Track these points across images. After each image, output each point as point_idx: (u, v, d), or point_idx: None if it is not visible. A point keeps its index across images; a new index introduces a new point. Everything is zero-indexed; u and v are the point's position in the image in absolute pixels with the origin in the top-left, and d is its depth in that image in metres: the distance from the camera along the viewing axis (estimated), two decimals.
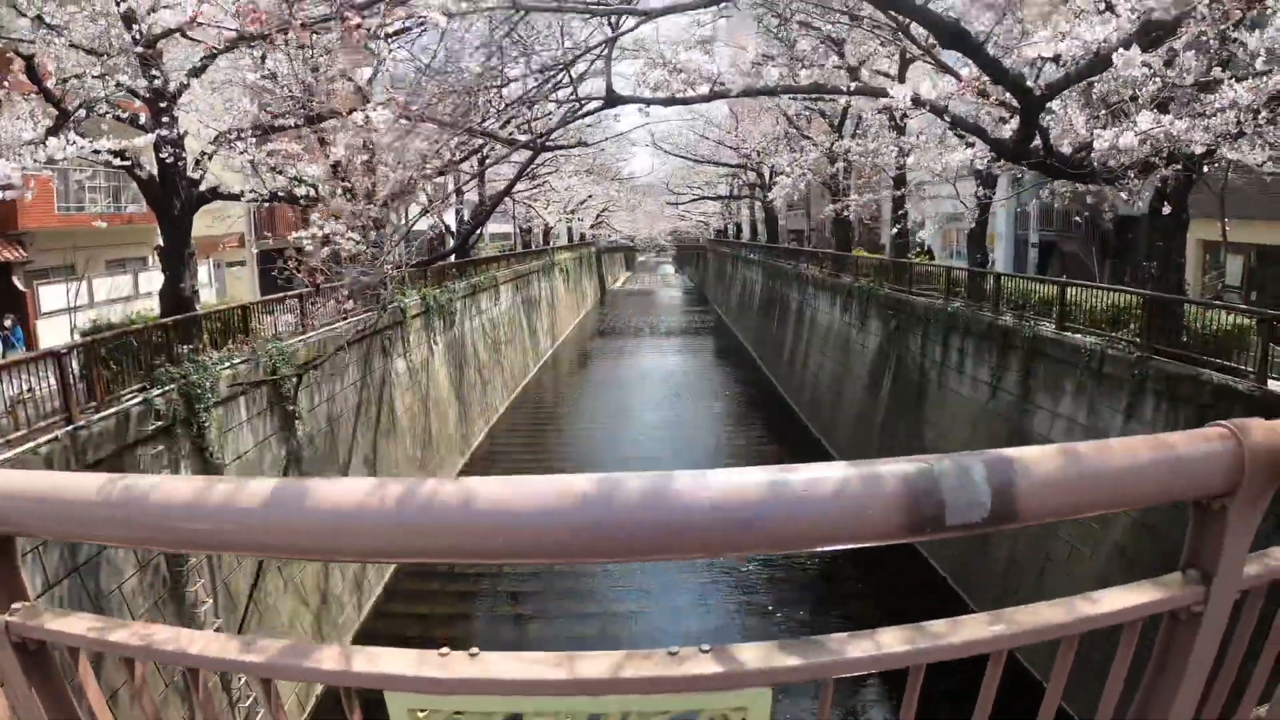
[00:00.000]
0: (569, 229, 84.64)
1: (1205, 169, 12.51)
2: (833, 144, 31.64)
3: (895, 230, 32.01)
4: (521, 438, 36.61)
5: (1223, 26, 9.62)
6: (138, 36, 12.57)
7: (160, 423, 13.40)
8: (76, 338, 16.86)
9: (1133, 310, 16.03)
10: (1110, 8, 9.29)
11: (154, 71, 13.35)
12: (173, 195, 15.80)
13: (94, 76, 13.53)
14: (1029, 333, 18.78)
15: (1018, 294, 20.67)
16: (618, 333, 69.93)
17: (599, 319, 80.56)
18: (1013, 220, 39.19)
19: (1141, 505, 1.63)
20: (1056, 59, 10.19)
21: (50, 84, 13.47)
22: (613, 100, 15.11)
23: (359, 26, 9.00)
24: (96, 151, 13.28)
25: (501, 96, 18.59)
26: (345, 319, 20.66)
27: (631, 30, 15.53)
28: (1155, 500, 1.61)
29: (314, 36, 11.86)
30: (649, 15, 12.48)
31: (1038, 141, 11.00)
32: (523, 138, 19.58)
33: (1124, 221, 27.38)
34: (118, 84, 13.67)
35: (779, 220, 57.76)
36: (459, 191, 41.62)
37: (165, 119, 14.10)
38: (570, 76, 17.09)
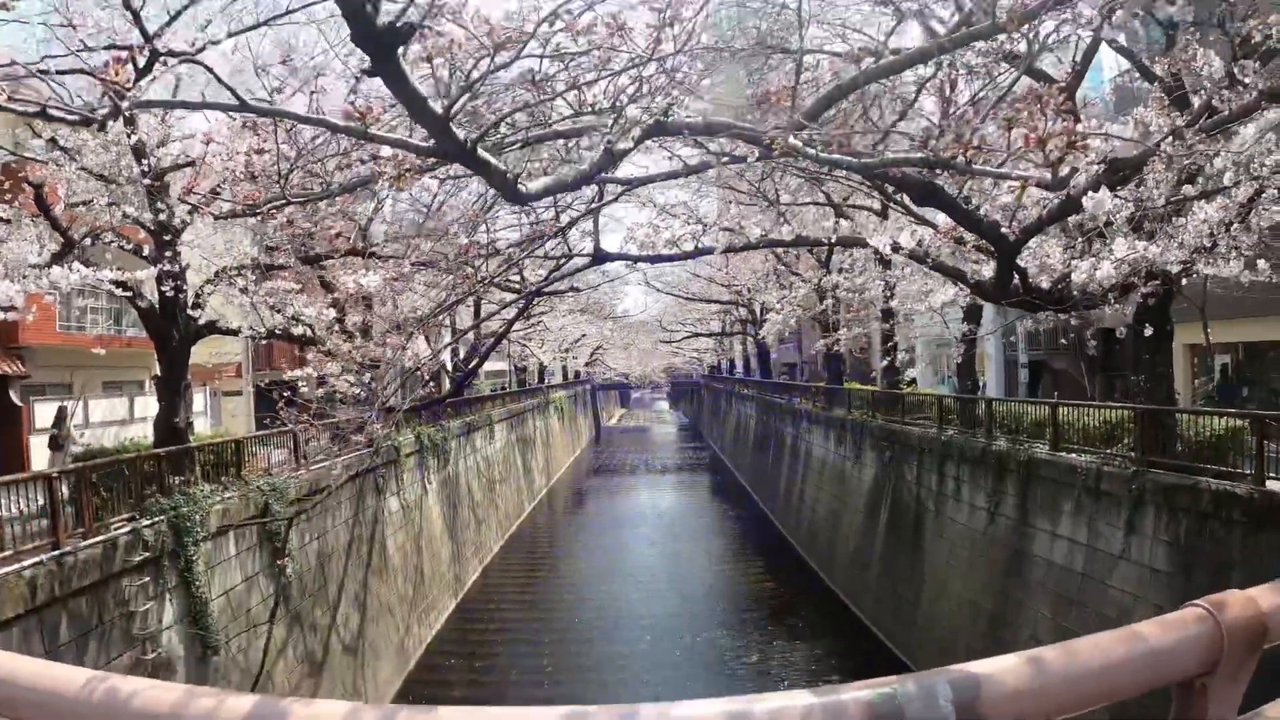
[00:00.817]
0: (564, 367, 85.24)
1: (1184, 282, 12.76)
2: (821, 280, 32.22)
3: (885, 362, 32.30)
4: (516, 578, 35.99)
5: (1187, 161, 9.90)
6: (146, 169, 12.91)
7: (148, 554, 13.22)
8: (69, 461, 16.73)
9: (1125, 425, 16.08)
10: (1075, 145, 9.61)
11: (160, 204, 13.67)
12: (172, 327, 16.01)
13: (102, 204, 13.79)
14: (1023, 456, 18.77)
15: (1010, 418, 20.73)
16: (613, 470, 69.63)
17: (594, 456, 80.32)
18: (1001, 342, 39.59)
19: (1119, 699, 1.58)
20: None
21: (59, 209, 13.75)
22: (600, 258, 15.85)
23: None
24: (99, 281, 13.46)
25: (495, 248, 19.18)
26: (339, 457, 20.61)
27: (614, 200, 16.22)
28: (1132, 693, 1.58)
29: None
30: (631, 184, 12.92)
31: (1016, 281, 11.21)
32: (515, 285, 20.14)
33: (1111, 334, 27.62)
34: (124, 214, 13.96)
35: (771, 355, 58.34)
36: (454, 330, 42.12)
37: (168, 252, 14.38)
38: (563, 236, 17.78)
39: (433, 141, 5.83)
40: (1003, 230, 10.52)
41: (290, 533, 18.01)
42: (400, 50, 5.06)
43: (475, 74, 5.77)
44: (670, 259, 15.54)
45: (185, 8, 12.57)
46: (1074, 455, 17.29)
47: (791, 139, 5.57)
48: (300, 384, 17.19)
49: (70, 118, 8.80)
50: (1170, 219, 11.60)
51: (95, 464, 13.69)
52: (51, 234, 13.85)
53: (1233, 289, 13.19)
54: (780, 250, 37.13)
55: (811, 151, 5.54)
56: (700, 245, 14.73)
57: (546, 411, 62.41)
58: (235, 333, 18.31)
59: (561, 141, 8.98)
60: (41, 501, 11.77)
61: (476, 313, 37.12)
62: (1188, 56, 8.75)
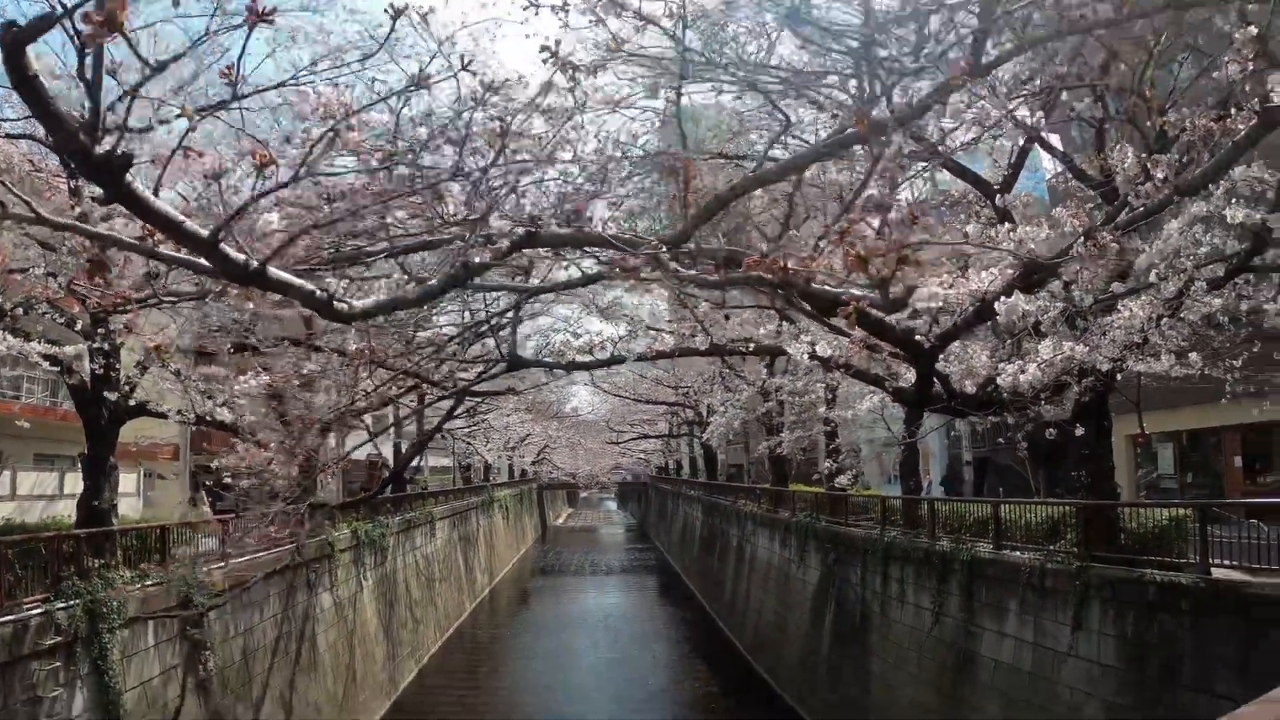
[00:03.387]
0: (510, 465, 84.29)
1: (1118, 378, 12.89)
2: (764, 382, 32.38)
3: (829, 464, 32.29)
4: (454, 680, 34.72)
5: (1102, 261, 9.85)
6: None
7: (60, 638, 12.54)
8: None
9: (1068, 520, 16.08)
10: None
11: (98, 279, 13.31)
12: (101, 405, 15.51)
13: (39, 273, 13.34)
14: (966, 556, 18.66)
15: (953, 517, 20.71)
16: (558, 571, 68.35)
17: (540, 556, 78.92)
18: (945, 441, 39.88)
19: None
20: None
21: None
22: (514, 364, 15.79)
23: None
24: (27, 352, 13.01)
25: (432, 343, 19.05)
26: (269, 550, 19.95)
27: (537, 295, 16.17)
28: None
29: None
30: (526, 292, 12.47)
31: (939, 387, 11.08)
32: (442, 382, 19.88)
33: (1050, 428, 27.86)
34: (61, 285, 13.53)
35: (718, 456, 58.22)
36: (397, 426, 41.55)
37: (102, 330, 14.00)
38: (495, 339, 17.67)
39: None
40: (917, 337, 10.36)
41: (214, 624, 17.25)
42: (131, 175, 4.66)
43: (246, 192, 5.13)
44: (585, 367, 15.52)
45: (141, 83, 12.46)
46: (1018, 553, 17.23)
47: (664, 254, 5.25)
48: (225, 474, 16.68)
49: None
50: (1098, 317, 11.74)
51: (10, 539, 13.09)
52: None
53: (1168, 381, 13.35)
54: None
55: (671, 268, 5.30)
56: (616, 354, 14.62)
57: (491, 510, 61.40)
58: (165, 416, 17.81)
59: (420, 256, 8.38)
60: None
61: (420, 409, 36.80)
62: (1116, 155, 8.90)
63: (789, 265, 4.93)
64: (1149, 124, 8.21)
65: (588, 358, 14.17)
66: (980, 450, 38.37)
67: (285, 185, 5.18)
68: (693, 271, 5.37)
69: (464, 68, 5.15)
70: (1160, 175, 7.08)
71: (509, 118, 5.46)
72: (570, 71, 5.41)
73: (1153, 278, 10.21)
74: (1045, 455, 25.84)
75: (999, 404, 11.83)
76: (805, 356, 11.19)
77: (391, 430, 43.19)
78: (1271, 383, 15.14)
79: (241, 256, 4.99)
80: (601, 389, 59.27)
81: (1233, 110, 6.91)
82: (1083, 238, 8.36)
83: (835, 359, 11.29)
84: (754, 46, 10.39)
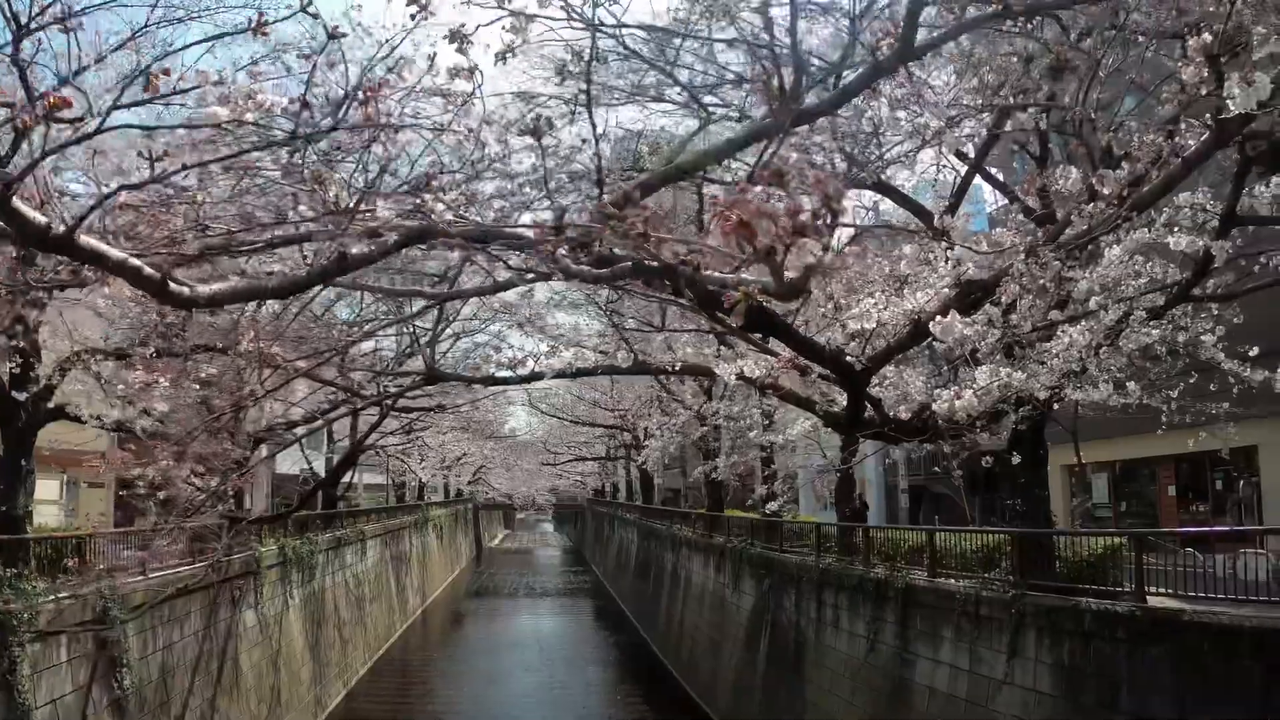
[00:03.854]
0: (445, 484, 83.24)
1: (1055, 407, 12.97)
2: (701, 406, 32.30)
3: (764, 489, 32.21)
4: (382, 703, 33.95)
5: (1043, 282, 9.68)
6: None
7: None
8: None
9: (1003, 548, 16.17)
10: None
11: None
12: (17, 407, 14.88)
13: None
14: (901, 583, 18.69)
15: (888, 544, 20.76)
16: (493, 592, 67.49)
17: (474, 578, 77.91)
18: (882, 467, 40.12)
19: None
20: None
21: None
22: (432, 377, 15.26)
23: None
24: None
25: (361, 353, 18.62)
26: (191, 564, 19.29)
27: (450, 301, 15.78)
28: None
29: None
30: (438, 299, 12.03)
31: (871, 412, 10.80)
32: (371, 395, 19.37)
33: (986, 456, 28.12)
34: None
35: (655, 480, 58.02)
36: (329, 439, 40.80)
37: (20, 326, 13.42)
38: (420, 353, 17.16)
39: None
40: (848, 359, 9.92)
41: (131, 641, 16.60)
42: None
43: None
44: (504, 382, 15.16)
45: (77, 73, 12.03)
46: (953, 581, 17.28)
47: (561, 247, 4.76)
48: (143, 485, 16.04)
49: None
50: (1036, 345, 11.78)
51: None
52: None
53: (1105, 410, 13.49)
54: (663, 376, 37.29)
55: (564, 263, 4.83)
56: (537, 370, 14.25)
57: (425, 529, 60.46)
58: (82, 421, 17.13)
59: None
60: None
61: (354, 423, 36.04)
62: (1055, 177, 8.88)
63: (652, 234, 4.38)
64: (1095, 140, 8.14)
65: (507, 373, 13.75)
66: (916, 478, 38.67)
67: (95, 134, 4.57)
68: (583, 266, 4.86)
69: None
70: (1107, 191, 7.02)
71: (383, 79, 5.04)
72: (464, 45, 5.08)
73: (1093, 304, 10.22)
74: (981, 483, 26.10)
75: (934, 431, 11.63)
76: (732, 377, 10.81)
77: (325, 445, 42.53)
78: (1207, 413, 15.41)
79: (42, 218, 4.14)
80: (539, 410, 58.93)
81: (1182, 126, 6.94)
82: (1023, 254, 8.29)
83: (763, 379, 10.89)
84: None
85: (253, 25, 5.72)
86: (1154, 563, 13.42)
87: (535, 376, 13.95)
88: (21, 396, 15.02)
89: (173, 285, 4.58)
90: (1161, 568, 13.42)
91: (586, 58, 7.05)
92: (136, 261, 4.33)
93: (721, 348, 20.13)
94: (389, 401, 18.97)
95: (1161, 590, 13.12)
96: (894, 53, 5.35)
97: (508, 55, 5.66)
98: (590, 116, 6.26)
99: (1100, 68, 7.63)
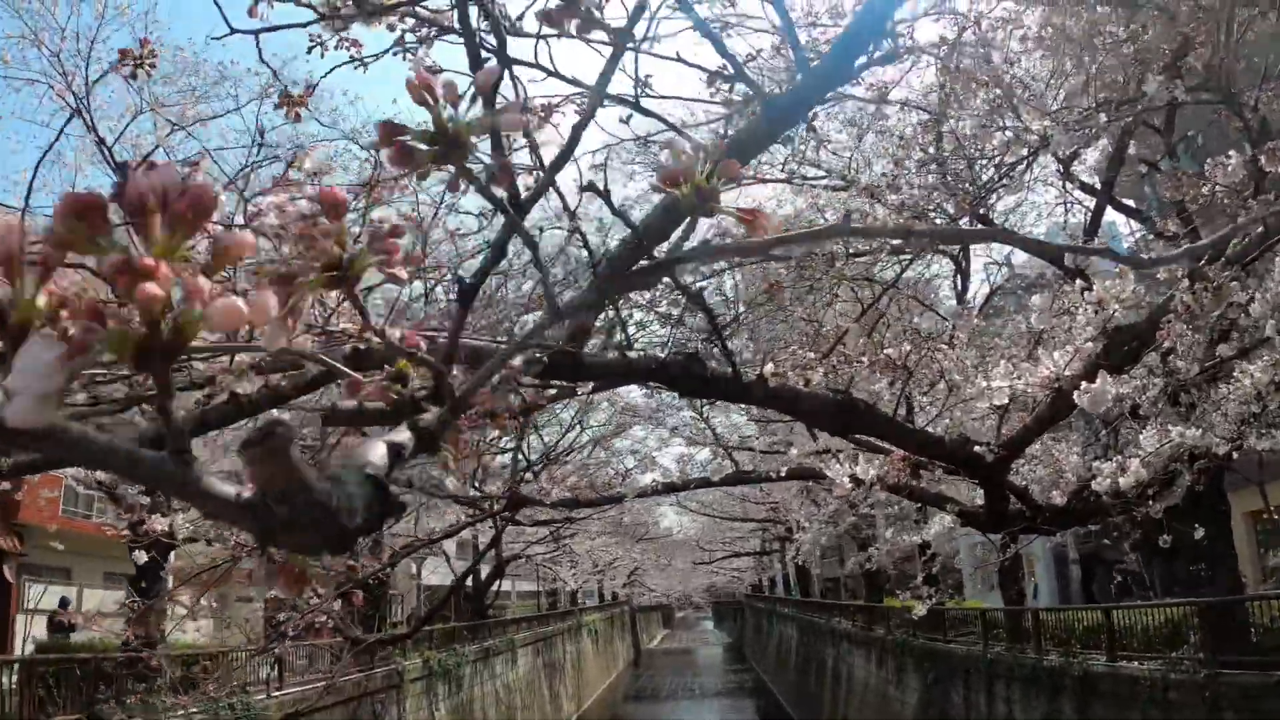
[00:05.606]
0: (600, 588, 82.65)
1: (1235, 457, 11.32)
2: (850, 494, 30.78)
3: (923, 575, 30.27)
4: None
5: (1215, 314, 8.06)
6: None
7: None
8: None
9: (1189, 621, 14.33)
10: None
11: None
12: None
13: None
14: (1078, 670, 16.87)
15: (1060, 627, 18.98)
16: (651, 695, 65.77)
17: (632, 681, 76.37)
18: (1048, 541, 37.33)
19: None
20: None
21: None
22: (515, 502, 14.54)
23: None
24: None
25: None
26: (330, 679, 19.08)
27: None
28: None
29: None
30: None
31: (1017, 503, 9.16)
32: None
33: (1163, 536, 25.53)
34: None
35: (812, 570, 56.15)
36: (475, 549, 40.80)
37: None
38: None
39: None
40: (975, 448, 7.91)
41: None
42: None
43: None
44: (593, 504, 14.94)
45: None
46: (1135, 663, 15.43)
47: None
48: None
49: None
50: (1207, 389, 10.24)
51: (46, 658, 12.62)
52: None
53: None
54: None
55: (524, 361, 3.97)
56: (617, 492, 13.78)
57: (579, 634, 59.81)
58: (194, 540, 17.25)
59: None
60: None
61: (498, 537, 35.86)
62: (1210, 168, 7.19)
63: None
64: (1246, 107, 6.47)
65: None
66: (1086, 545, 35.76)
67: None
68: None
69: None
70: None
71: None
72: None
73: (1269, 331, 8.42)
74: (1159, 548, 23.69)
75: (1099, 511, 9.82)
76: (845, 480, 9.28)
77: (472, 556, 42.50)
78: None
79: None
80: (688, 509, 57.99)
81: None
82: (1185, 280, 6.61)
83: (881, 480, 9.20)
84: None
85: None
86: None
87: (617, 498, 13.54)
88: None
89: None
90: None
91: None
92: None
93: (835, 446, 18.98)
94: (502, 519, 18.54)
95: None
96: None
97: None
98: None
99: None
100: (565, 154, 2.28)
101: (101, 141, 12.82)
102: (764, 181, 13.63)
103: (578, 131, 2.33)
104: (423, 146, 0.99)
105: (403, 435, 1.03)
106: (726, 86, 4.15)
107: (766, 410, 19.31)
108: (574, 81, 3.91)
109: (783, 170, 12.89)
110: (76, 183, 16.90)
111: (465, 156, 1.00)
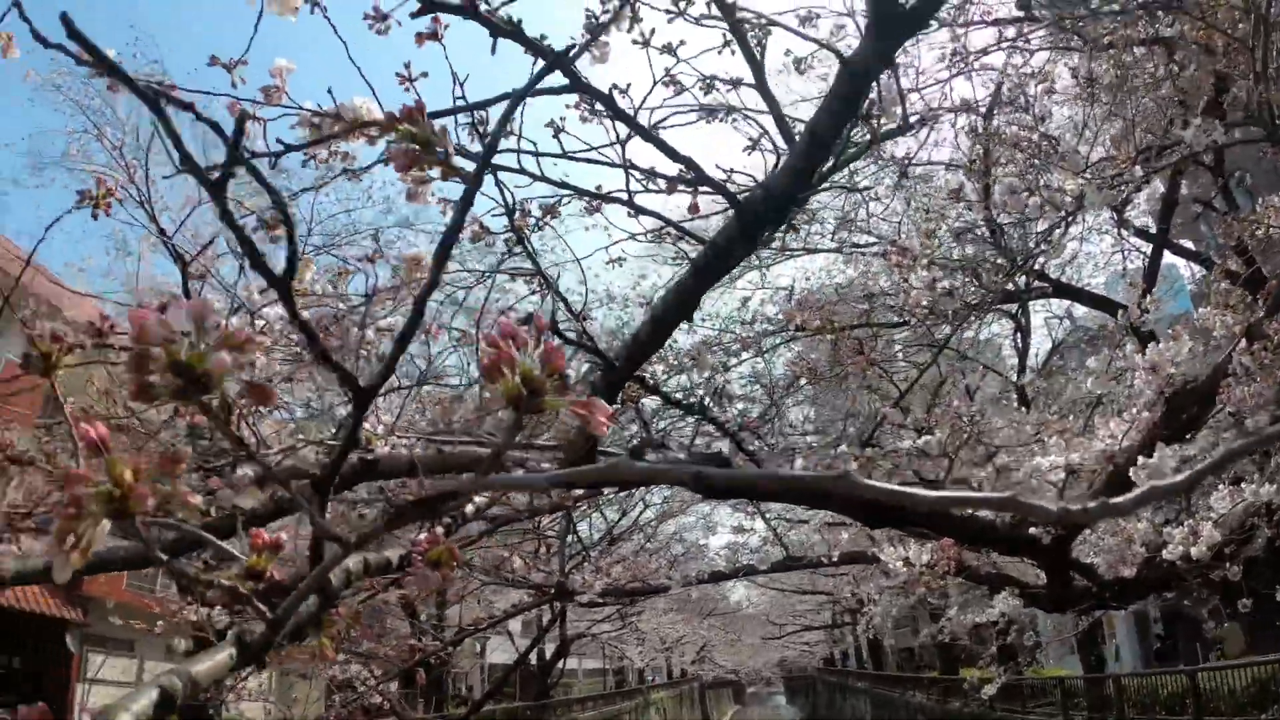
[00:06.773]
0: (668, 664, 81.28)
1: None
2: (907, 577, 29.93)
3: (998, 645, 29.17)
4: None
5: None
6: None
7: None
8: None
9: (1277, 680, 13.57)
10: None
11: None
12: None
13: None
14: None
15: (1143, 693, 18.10)
16: None
17: None
18: None
19: None
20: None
21: None
22: (561, 593, 14.27)
23: None
24: None
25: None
26: None
27: None
28: None
29: None
30: None
31: (1081, 580, 8.41)
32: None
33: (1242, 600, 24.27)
34: None
35: (885, 641, 54.73)
36: (539, 626, 40.44)
37: None
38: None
39: None
40: (1032, 531, 6.99)
41: None
42: None
43: None
44: (640, 594, 14.21)
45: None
46: None
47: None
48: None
49: None
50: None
51: None
52: None
53: None
54: (877, 533, 35.01)
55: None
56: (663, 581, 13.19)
57: (646, 713, 58.66)
58: None
59: None
60: None
61: (562, 616, 35.36)
62: (1250, 227, 7.00)
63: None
64: None
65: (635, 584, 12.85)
66: (1167, 604, 34.21)
67: None
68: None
69: None
70: None
71: None
72: None
73: None
74: (1248, 593, 22.52)
75: (1173, 579, 8.90)
76: (900, 564, 8.71)
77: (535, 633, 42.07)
78: None
79: None
80: (756, 583, 56.98)
81: None
82: (1244, 340, 5.92)
83: (937, 565, 8.48)
84: None
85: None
86: None
87: (663, 589, 13.08)
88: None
89: None
90: None
91: None
92: None
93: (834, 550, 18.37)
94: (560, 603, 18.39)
95: None
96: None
97: None
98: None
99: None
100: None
101: (163, 232, 13.17)
102: (812, 252, 13.43)
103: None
104: None
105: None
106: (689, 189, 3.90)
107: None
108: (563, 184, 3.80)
109: (833, 239, 12.75)
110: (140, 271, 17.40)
111: None
